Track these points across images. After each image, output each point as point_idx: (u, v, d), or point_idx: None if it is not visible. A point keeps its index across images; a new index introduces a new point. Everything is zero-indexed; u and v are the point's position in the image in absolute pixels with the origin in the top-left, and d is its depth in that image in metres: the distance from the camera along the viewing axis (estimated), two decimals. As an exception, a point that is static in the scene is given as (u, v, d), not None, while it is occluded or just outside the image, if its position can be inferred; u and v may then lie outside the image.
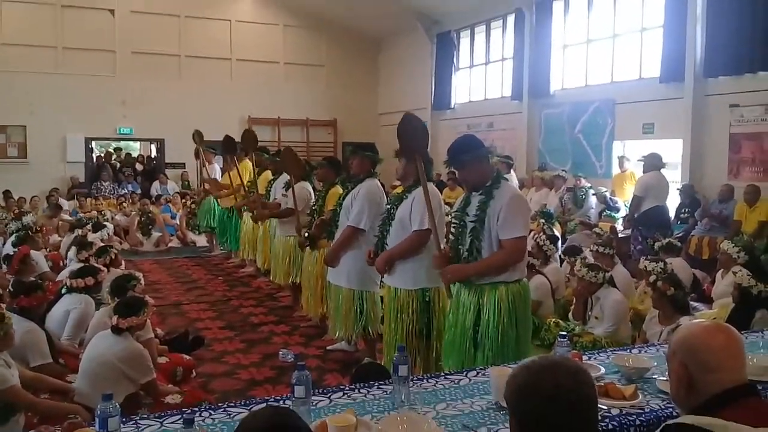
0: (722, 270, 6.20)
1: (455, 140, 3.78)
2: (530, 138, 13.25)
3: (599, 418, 2.28)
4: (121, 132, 16.14)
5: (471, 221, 3.60)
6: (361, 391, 2.63)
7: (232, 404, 2.51)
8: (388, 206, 4.57)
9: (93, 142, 16.63)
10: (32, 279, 5.15)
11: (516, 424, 1.56)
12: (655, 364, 2.78)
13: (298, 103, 17.22)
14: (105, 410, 2.04)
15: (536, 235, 6.83)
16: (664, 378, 2.31)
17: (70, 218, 10.96)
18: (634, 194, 8.56)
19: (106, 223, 9.48)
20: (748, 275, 4.63)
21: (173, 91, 15.91)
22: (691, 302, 5.55)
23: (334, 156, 7.03)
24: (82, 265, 5.42)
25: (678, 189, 9.53)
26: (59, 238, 9.18)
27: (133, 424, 2.31)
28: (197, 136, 10.20)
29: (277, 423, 1.51)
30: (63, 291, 4.77)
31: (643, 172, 8.58)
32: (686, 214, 9.18)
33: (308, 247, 6.05)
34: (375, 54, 18.61)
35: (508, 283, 3.53)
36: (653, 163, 8.39)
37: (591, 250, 6.40)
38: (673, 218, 9.35)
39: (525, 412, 1.52)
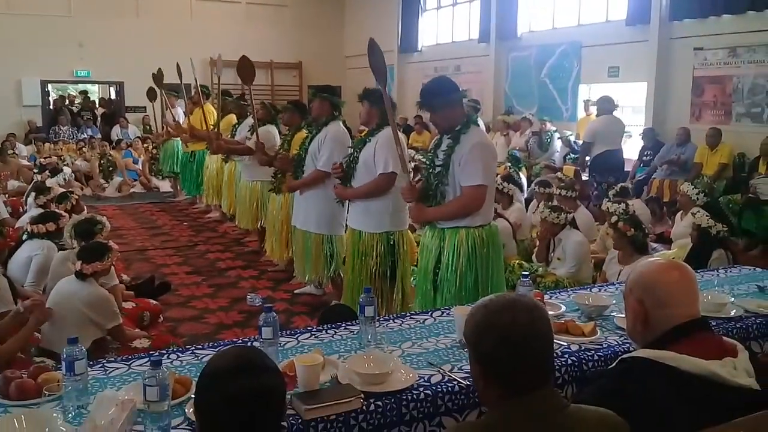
0: (681, 212, 6.35)
1: (429, 81, 3.78)
2: (497, 81, 13.20)
3: (559, 353, 2.37)
4: (79, 75, 15.64)
5: (438, 164, 3.61)
6: (329, 331, 2.66)
7: (200, 347, 2.53)
8: (351, 149, 4.55)
9: (49, 85, 16.11)
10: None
11: (475, 361, 1.60)
12: (614, 302, 2.86)
13: (262, 45, 16.77)
14: (71, 354, 2.02)
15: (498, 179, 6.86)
16: (622, 315, 2.39)
17: (28, 163, 10.69)
18: (583, 140, 8.62)
19: (64, 167, 9.27)
20: (707, 216, 4.76)
21: (131, 31, 15.38)
22: (651, 243, 5.69)
23: (300, 100, 6.93)
24: (41, 210, 5.32)
25: (639, 134, 9.64)
26: (18, 184, 8.97)
27: (101, 367, 2.31)
28: (159, 77, 9.91)
29: (244, 361, 1.53)
30: (24, 237, 4.69)
31: (596, 116, 8.62)
32: (648, 157, 9.32)
33: (272, 191, 6.03)
34: (340, -6, 18.20)
35: (469, 228, 3.54)
36: (604, 107, 8.43)
37: (555, 194, 6.48)
38: (636, 160, 9.49)
39: (482, 346, 1.56)
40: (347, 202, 4.56)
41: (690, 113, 9.53)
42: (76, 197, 5.97)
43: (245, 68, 6.70)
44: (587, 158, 8.55)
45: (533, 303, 1.61)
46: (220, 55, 7.77)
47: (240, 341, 2.60)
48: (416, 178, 5.04)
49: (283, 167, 5.69)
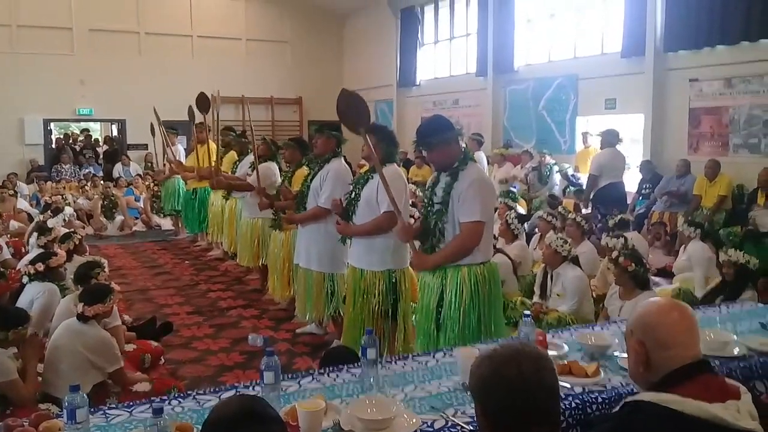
0: (682, 246, 6.37)
1: (424, 121, 3.82)
2: (495, 115, 13.33)
3: (563, 396, 2.35)
4: (81, 113, 15.80)
5: (437, 202, 3.64)
6: (330, 375, 2.65)
7: (202, 392, 2.52)
8: (351, 185, 4.56)
9: (52, 124, 16.25)
10: (-7, 268, 5.05)
11: (481, 413, 1.60)
12: (617, 341, 2.85)
13: (262, 81, 17.01)
14: (73, 401, 2.02)
15: (504, 214, 6.91)
16: (625, 355, 2.38)
17: (24, 204, 10.71)
18: (590, 173, 8.65)
19: (66, 207, 9.30)
20: (735, 251, 4.90)
21: (133, 69, 15.58)
22: (653, 277, 5.70)
23: (300, 135, 6.92)
24: (41, 251, 5.33)
25: (637, 166, 9.68)
26: (18, 225, 8.98)
27: (102, 414, 2.30)
28: (156, 115, 9.99)
29: (247, 410, 1.53)
30: (24, 280, 4.69)
31: (600, 149, 8.67)
32: (648, 190, 9.35)
33: (273, 228, 6.05)
34: (339, 30, 18.46)
35: (471, 266, 3.56)
36: (608, 140, 8.47)
37: (568, 218, 6.52)
38: (635, 193, 9.52)
39: (489, 402, 1.56)
40: (349, 240, 4.55)
41: (687, 144, 9.59)
42: (79, 237, 5.97)
43: (201, 101, 7.79)
44: (592, 191, 8.58)
45: (538, 353, 1.61)
46: (219, 91, 7.86)
47: (242, 386, 2.59)
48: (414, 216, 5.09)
49: (287, 202, 5.71)
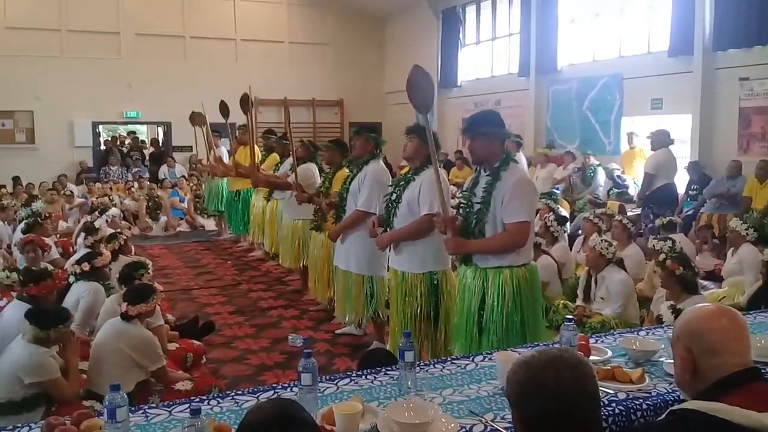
0: (732, 248, 6.17)
1: (480, 111, 3.82)
2: (538, 115, 13.16)
3: (606, 402, 2.29)
4: (128, 115, 16.14)
5: (477, 202, 3.59)
6: (368, 377, 2.64)
7: (240, 392, 2.53)
8: (391, 187, 4.54)
9: (100, 126, 16.64)
10: (41, 267, 5.18)
11: (518, 420, 1.56)
12: (663, 346, 2.77)
13: (304, 83, 17.12)
14: (113, 401, 2.05)
15: (544, 215, 6.81)
16: (671, 361, 2.30)
17: (79, 199, 11.01)
18: (646, 172, 8.45)
19: (112, 207, 9.50)
20: None
21: (179, 73, 15.85)
22: (701, 281, 5.54)
23: (341, 137, 6.90)
24: (87, 251, 5.45)
25: (685, 167, 9.45)
26: (66, 225, 9.22)
27: (142, 413, 2.33)
28: (197, 117, 10.17)
29: (282, 415, 1.53)
30: (71, 279, 4.80)
31: (652, 149, 8.48)
32: (695, 191, 9.12)
33: (313, 230, 6.07)
34: (381, 32, 18.47)
35: (512, 267, 3.52)
36: (662, 140, 8.28)
37: (615, 219, 6.39)
38: (683, 194, 9.29)
39: (527, 409, 1.52)
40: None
41: (737, 145, 9.32)
42: (125, 238, 6.09)
43: (243, 102, 8.10)
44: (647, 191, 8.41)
45: (577, 359, 1.57)
46: (254, 94, 8.02)
47: (280, 386, 2.59)
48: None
49: (329, 210, 5.74)
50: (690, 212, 8.84)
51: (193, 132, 10.90)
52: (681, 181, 9.44)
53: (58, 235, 8.33)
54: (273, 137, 8.59)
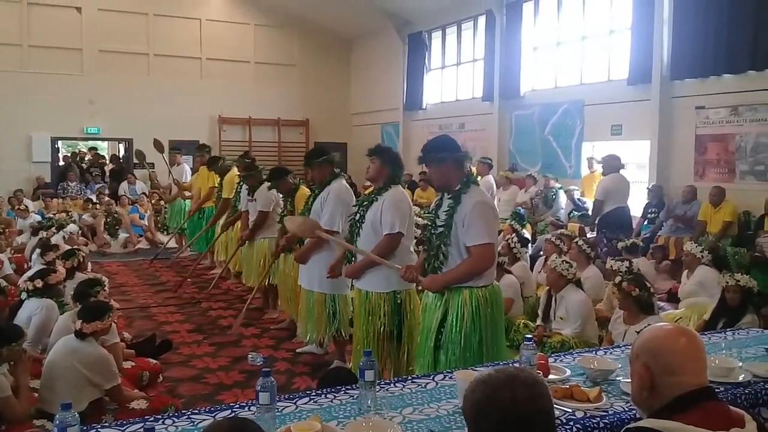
0: (687, 270, 6.31)
1: (434, 138, 3.81)
2: (501, 139, 13.35)
3: (564, 420, 2.31)
4: (89, 132, 15.90)
5: (440, 225, 3.61)
6: (328, 396, 2.61)
7: (197, 411, 2.48)
8: (356, 207, 4.55)
9: (59, 142, 16.33)
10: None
11: (474, 438, 1.56)
12: (620, 366, 2.81)
13: (270, 102, 17.11)
14: (64, 420, 2.00)
15: (507, 236, 6.87)
16: (628, 380, 2.33)
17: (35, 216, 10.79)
18: (595, 198, 8.62)
19: (71, 224, 9.31)
20: (748, 277, 4.95)
21: (142, 90, 15.71)
22: (659, 302, 5.64)
23: (276, 167, 6.72)
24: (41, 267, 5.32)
25: (648, 188, 9.65)
26: (23, 241, 9.00)
27: (94, 432, 2.26)
28: (157, 145, 10.24)
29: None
30: (23, 296, 4.67)
31: (603, 174, 8.64)
32: (653, 215, 9.32)
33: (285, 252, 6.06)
34: (347, 54, 18.58)
35: (472, 288, 3.53)
36: (612, 165, 8.43)
37: (574, 243, 6.48)
38: (640, 218, 9.48)
39: (483, 426, 1.52)
40: (353, 259, 4.48)
41: (694, 171, 9.56)
42: (83, 255, 5.97)
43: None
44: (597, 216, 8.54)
45: (533, 378, 1.58)
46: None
47: (237, 405, 2.54)
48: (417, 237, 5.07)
49: (290, 245, 5.78)
50: (648, 235, 9.02)
51: (154, 151, 10.82)
52: (638, 205, 9.65)
53: (11, 251, 8.11)
54: (220, 161, 8.60)
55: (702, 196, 8.80)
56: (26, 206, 11.41)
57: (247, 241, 7.18)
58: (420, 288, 3.96)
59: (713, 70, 9.17)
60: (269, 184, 6.40)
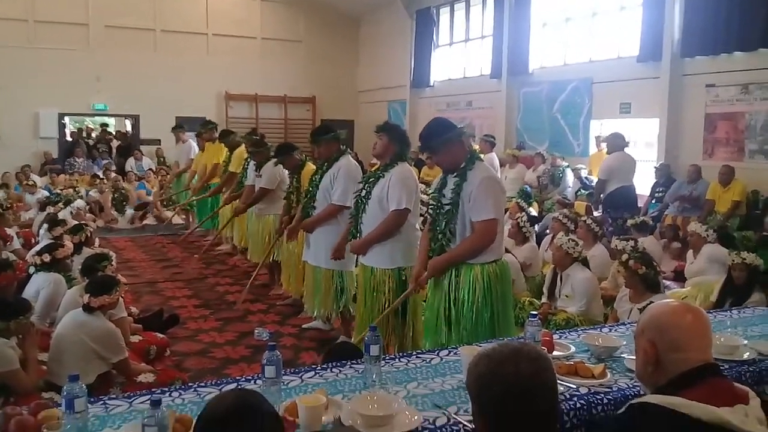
0: (692, 250, 6.29)
1: (426, 125, 3.75)
2: (509, 117, 13.25)
3: (567, 396, 2.32)
4: (96, 108, 15.88)
5: (446, 203, 3.61)
6: (333, 370, 2.62)
7: (203, 384, 2.50)
8: (361, 183, 4.54)
9: (66, 118, 16.33)
10: (2, 258, 5.07)
11: (478, 411, 1.57)
12: (624, 343, 2.81)
13: (277, 79, 17.03)
14: (71, 391, 2.01)
15: (515, 215, 6.86)
16: (633, 357, 2.33)
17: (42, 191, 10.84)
18: (599, 177, 8.56)
19: (78, 199, 9.34)
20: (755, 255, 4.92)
21: (148, 66, 15.64)
22: (665, 281, 5.63)
23: (283, 143, 6.71)
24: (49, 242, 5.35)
25: (655, 167, 9.60)
26: (30, 216, 9.04)
27: (102, 404, 2.28)
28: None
29: (242, 406, 1.51)
30: (31, 270, 4.70)
31: (607, 153, 8.57)
32: (661, 193, 9.27)
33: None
34: (354, 30, 18.43)
35: (483, 264, 3.54)
36: (616, 143, 8.35)
37: (581, 221, 6.47)
38: (648, 197, 9.44)
39: (486, 400, 1.53)
40: (358, 235, 4.49)
41: (702, 150, 9.49)
42: (90, 230, 5.99)
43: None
44: (601, 195, 8.49)
45: (537, 352, 1.58)
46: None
47: (244, 379, 2.56)
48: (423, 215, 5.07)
49: (293, 238, 5.77)
50: (655, 214, 8.99)
51: (165, 125, 10.87)
52: (647, 184, 9.60)
53: (18, 226, 8.15)
54: (232, 135, 8.58)
55: (711, 175, 8.73)
56: (34, 182, 11.44)
57: (239, 214, 7.35)
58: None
59: (724, 47, 9.06)
60: (278, 159, 6.39)
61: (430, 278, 3.76)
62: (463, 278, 3.56)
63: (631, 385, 2.43)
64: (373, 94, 17.78)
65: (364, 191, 4.44)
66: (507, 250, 5.95)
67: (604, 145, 10.57)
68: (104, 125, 18.01)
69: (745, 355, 2.71)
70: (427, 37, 15.54)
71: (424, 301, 4.38)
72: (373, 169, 4.66)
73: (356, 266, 4.99)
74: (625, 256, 4.64)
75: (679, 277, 6.66)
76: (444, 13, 15.42)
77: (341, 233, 4.86)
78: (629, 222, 7.14)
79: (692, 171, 8.89)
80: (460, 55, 15.10)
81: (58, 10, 14.96)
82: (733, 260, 5.01)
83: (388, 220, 4.24)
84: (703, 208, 8.47)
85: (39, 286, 4.55)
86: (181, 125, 10.65)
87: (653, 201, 9.37)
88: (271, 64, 17.06)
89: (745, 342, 2.83)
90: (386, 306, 4.23)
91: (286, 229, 5.94)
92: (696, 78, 9.57)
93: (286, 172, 6.55)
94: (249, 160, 7.62)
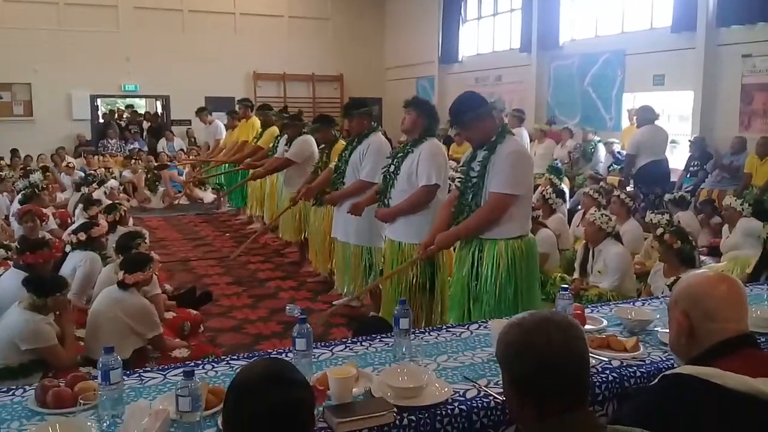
0: (727, 225, 6.17)
1: (455, 100, 3.70)
2: (539, 91, 13.07)
3: (600, 369, 2.30)
4: (126, 89, 16.03)
5: (474, 177, 3.58)
6: (363, 343, 2.64)
7: (235, 357, 2.53)
8: (389, 158, 4.52)
9: (98, 100, 16.54)
10: (38, 236, 5.17)
11: (508, 381, 1.56)
12: (658, 316, 2.77)
13: (304, 58, 17.00)
14: (107, 363, 2.04)
15: (543, 189, 6.79)
16: (666, 330, 2.30)
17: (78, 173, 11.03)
18: (627, 152, 8.40)
19: (111, 179, 9.48)
20: None
21: (177, 46, 15.71)
22: (700, 256, 5.53)
23: (324, 114, 6.80)
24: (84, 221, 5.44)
25: (689, 141, 9.41)
26: (64, 196, 9.21)
27: (137, 377, 2.33)
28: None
29: (273, 374, 1.52)
30: (67, 249, 4.80)
31: (636, 126, 8.38)
32: (696, 167, 9.09)
33: (315, 205, 6.07)
34: (381, 6, 18.27)
35: (507, 240, 3.51)
36: (645, 117, 8.17)
37: (614, 195, 6.38)
38: (682, 171, 9.26)
39: (517, 368, 1.52)
40: (387, 203, 4.47)
41: (739, 122, 9.27)
42: (124, 209, 6.08)
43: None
44: (632, 170, 8.33)
45: (567, 321, 1.56)
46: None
47: (275, 352, 2.59)
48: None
49: (309, 197, 5.81)
50: (690, 188, 8.82)
51: (195, 106, 10.99)
52: (682, 158, 9.41)
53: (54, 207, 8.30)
54: (269, 111, 8.57)
55: (749, 147, 8.53)
56: (72, 164, 11.63)
57: (256, 178, 7.70)
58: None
59: (761, 15, 8.79)
60: (314, 126, 6.40)
61: (437, 251, 3.77)
62: (487, 253, 3.53)
63: (664, 358, 2.40)
64: (400, 71, 17.66)
65: (392, 166, 4.42)
66: (543, 224, 5.92)
67: (635, 119, 10.40)
68: (129, 106, 18.20)
69: (783, 328, 2.65)
70: (455, 11, 15.34)
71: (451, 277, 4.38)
72: (402, 144, 4.63)
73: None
74: (660, 230, 4.57)
75: (715, 252, 6.54)
76: (472, -13, 15.21)
77: (364, 198, 4.84)
78: (666, 197, 7.01)
79: (736, 143, 8.70)
80: (488, 29, 14.90)
81: (88, -8, 15.10)
82: (764, 236, 4.90)
83: (418, 193, 4.22)
84: (741, 180, 8.28)
85: (75, 264, 4.64)
86: (204, 108, 10.76)
87: (688, 175, 9.18)
88: (298, 43, 17.02)
89: (783, 315, 2.77)
90: (414, 281, 4.21)
91: (298, 198, 6.06)
92: (732, 48, 9.32)
93: (315, 150, 6.58)
94: (279, 138, 7.67)
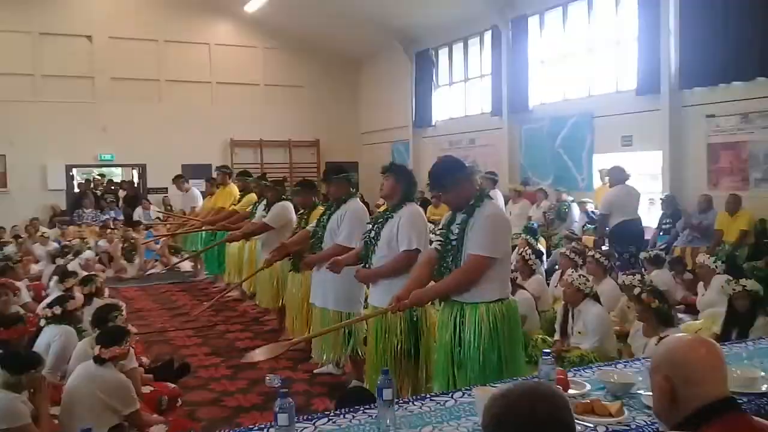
0: (702, 282, 6.26)
1: (435, 164, 3.77)
2: (511, 153, 13.35)
3: (585, 436, 2.29)
4: (102, 158, 16.07)
5: (453, 239, 3.61)
6: (346, 416, 2.60)
7: (215, 433, 2.48)
8: (370, 224, 4.55)
9: (74, 170, 16.51)
10: (12, 311, 5.08)
11: (494, 453, 1.55)
12: (641, 378, 2.78)
13: (280, 124, 17.24)
14: (85, 445, 2.00)
15: (521, 250, 6.86)
16: (650, 393, 2.31)
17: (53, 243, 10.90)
18: (600, 212, 8.53)
19: (87, 250, 9.38)
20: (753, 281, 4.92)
21: (154, 116, 15.88)
22: (677, 314, 5.59)
23: (317, 177, 6.94)
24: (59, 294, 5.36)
25: (661, 199, 9.60)
26: (40, 268, 9.07)
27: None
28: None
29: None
30: (42, 323, 4.71)
31: (609, 186, 8.55)
32: (668, 225, 9.25)
33: (291, 271, 6.04)
34: (355, 73, 18.70)
35: (488, 303, 3.51)
36: (617, 177, 8.31)
37: (588, 255, 6.45)
38: (655, 229, 9.41)
39: (503, 440, 1.51)
40: (367, 266, 4.48)
41: (707, 180, 9.51)
42: (101, 281, 6.01)
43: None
44: (606, 229, 8.44)
45: (552, 391, 1.57)
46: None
47: (257, 428, 2.54)
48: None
49: (282, 253, 5.84)
50: (664, 246, 8.95)
51: (172, 174, 11.02)
52: (654, 216, 9.58)
53: (28, 279, 8.17)
54: (248, 178, 8.62)
55: (716, 205, 8.73)
56: (46, 234, 11.50)
57: (230, 241, 7.70)
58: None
59: (722, 77, 9.15)
60: (295, 189, 6.47)
61: (409, 307, 3.74)
62: (468, 318, 3.52)
63: (649, 422, 2.40)
64: (376, 136, 17.96)
65: (373, 232, 4.44)
66: (521, 286, 5.95)
67: (608, 179, 10.61)
68: (102, 175, 18.16)
69: (764, 387, 2.68)
70: (427, 77, 15.76)
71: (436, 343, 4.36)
72: (381, 209, 4.67)
73: (365, 308, 4.97)
74: (637, 290, 4.62)
75: (692, 309, 6.61)
76: (442, 54, 15.66)
77: (347, 257, 4.81)
78: (642, 255, 7.12)
79: (702, 201, 8.89)
80: (460, 94, 15.29)
81: (63, 64, 15.28)
82: (734, 289, 4.99)
83: (399, 258, 4.23)
84: (711, 238, 8.43)
85: (50, 338, 4.55)
86: (181, 175, 10.80)
87: (661, 233, 9.34)
88: (274, 110, 17.29)
89: (763, 374, 2.79)
90: (398, 348, 4.17)
91: (270, 262, 6.08)
92: (696, 109, 9.65)
93: (293, 217, 6.62)
94: (258, 204, 7.71)
